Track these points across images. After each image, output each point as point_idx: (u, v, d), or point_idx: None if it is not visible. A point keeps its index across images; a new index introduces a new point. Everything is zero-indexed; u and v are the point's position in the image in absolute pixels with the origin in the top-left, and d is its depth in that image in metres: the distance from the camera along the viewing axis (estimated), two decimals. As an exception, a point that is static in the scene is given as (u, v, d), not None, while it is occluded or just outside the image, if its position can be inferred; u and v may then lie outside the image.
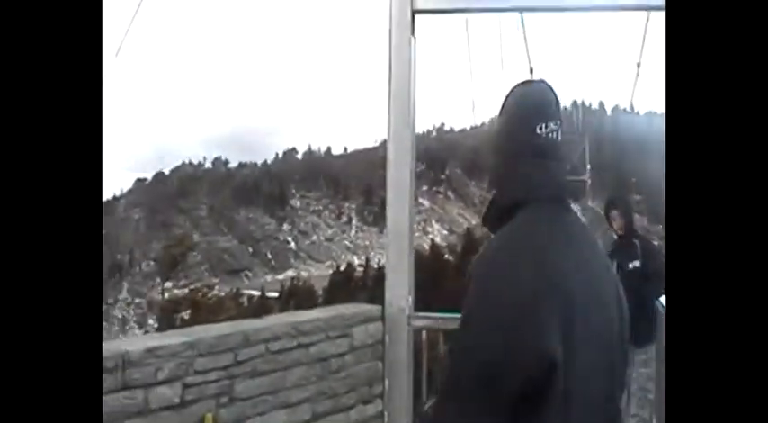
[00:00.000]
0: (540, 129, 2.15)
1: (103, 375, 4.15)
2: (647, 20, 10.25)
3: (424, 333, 6.35)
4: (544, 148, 2.15)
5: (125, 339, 4.80)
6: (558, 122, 2.19)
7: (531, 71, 13.50)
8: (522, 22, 11.70)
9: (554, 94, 2.25)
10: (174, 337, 4.75)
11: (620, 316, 2.14)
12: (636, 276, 7.44)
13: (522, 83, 2.32)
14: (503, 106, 2.27)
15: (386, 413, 6.25)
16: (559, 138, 2.18)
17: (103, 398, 4.10)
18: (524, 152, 2.15)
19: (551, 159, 2.15)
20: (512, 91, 2.28)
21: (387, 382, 6.26)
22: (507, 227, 2.10)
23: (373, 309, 6.31)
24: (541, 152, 2.15)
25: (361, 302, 7.24)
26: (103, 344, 4.54)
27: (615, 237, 8.09)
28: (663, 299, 7.39)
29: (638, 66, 13.67)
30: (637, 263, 7.70)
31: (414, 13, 6.81)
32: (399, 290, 6.42)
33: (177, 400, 4.57)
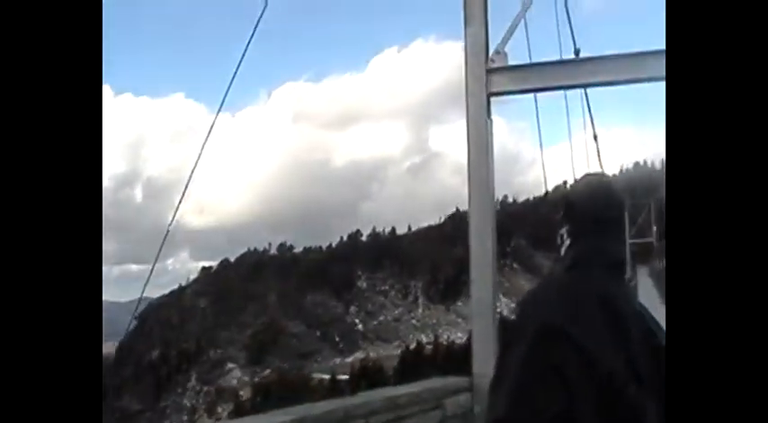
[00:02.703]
0: (598, 216, 2.62)
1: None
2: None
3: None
4: (597, 228, 2.60)
5: (238, 420, 4.94)
6: (617, 212, 2.67)
7: (596, 138, 13.73)
8: (586, 93, 11.93)
9: (612, 187, 2.74)
10: (279, 417, 4.94)
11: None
12: None
13: (588, 175, 2.85)
14: (572, 192, 2.79)
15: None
16: (615, 220, 2.64)
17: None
18: (581, 230, 2.61)
19: (603, 237, 2.59)
20: (580, 180, 2.82)
21: (477, 452, 6.39)
22: (551, 278, 2.73)
23: (462, 380, 6.49)
24: (596, 231, 2.59)
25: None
26: None
27: None
28: None
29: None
30: None
31: (489, 95, 7.10)
32: (486, 360, 6.59)
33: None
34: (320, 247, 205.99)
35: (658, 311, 2.48)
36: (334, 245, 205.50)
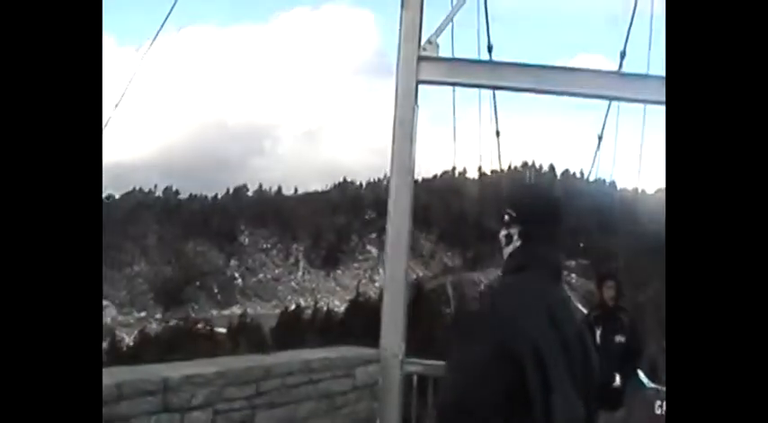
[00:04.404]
0: (551, 223, 2.86)
1: (146, 397, 4.56)
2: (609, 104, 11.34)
3: (415, 378, 6.90)
4: (548, 235, 2.83)
5: (164, 365, 5.19)
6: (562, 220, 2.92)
7: (498, 134, 14.42)
8: (494, 94, 12.45)
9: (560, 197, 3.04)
10: (207, 367, 5.17)
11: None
12: (619, 350, 7.54)
13: (536, 181, 3.06)
14: (528, 197, 2.99)
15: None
16: (560, 228, 2.88)
17: (145, 419, 4.54)
18: (534, 235, 2.81)
19: (552, 243, 2.84)
20: (531, 185, 3.06)
21: (378, 421, 6.75)
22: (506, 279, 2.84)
23: (373, 352, 6.80)
24: (547, 237, 2.82)
25: (314, 347, 7.84)
26: (146, 368, 5.02)
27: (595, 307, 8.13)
28: (641, 373, 7.99)
29: (600, 138, 14.81)
30: (622, 338, 7.66)
31: (418, 82, 7.41)
32: (394, 336, 6.95)
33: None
34: (206, 197, 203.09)
35: None
36: (219, 196, 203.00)
